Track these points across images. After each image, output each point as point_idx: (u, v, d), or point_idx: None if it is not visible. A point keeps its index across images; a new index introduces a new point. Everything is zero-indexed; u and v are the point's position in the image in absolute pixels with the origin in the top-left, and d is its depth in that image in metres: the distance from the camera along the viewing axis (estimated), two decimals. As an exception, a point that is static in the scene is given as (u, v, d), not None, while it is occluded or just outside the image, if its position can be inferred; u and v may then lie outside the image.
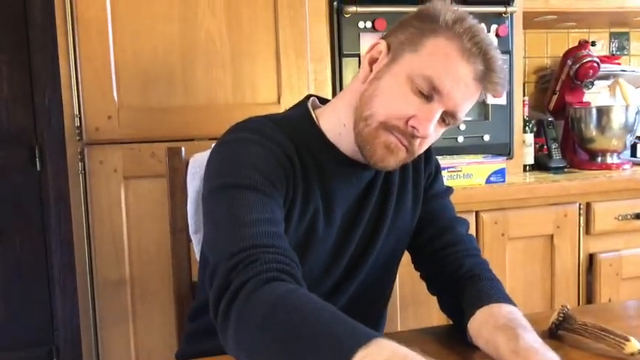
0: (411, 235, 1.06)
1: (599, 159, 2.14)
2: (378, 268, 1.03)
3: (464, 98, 0.88)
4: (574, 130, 2.16)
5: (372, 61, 0.93)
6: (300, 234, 0.94)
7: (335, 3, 1.80)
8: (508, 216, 1.80)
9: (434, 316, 1.67)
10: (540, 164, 2.14)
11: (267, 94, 1.71)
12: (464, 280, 0.98)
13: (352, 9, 1.79)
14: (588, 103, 2.24)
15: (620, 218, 1.90)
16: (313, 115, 0.98)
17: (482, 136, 1.97)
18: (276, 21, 1.70)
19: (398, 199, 1.02)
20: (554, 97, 2.29)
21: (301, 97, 1.04)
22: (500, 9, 1.92)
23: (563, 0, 2.07)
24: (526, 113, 2.14)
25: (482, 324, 0.87)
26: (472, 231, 1.74)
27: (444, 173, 1.74)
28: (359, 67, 1.02)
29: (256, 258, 0.75)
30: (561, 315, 0.92)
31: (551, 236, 1.85)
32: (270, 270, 0.74)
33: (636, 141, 2.29)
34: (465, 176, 1.81)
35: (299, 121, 0.97)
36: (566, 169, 2.12)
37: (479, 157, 1.86)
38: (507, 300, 0.92)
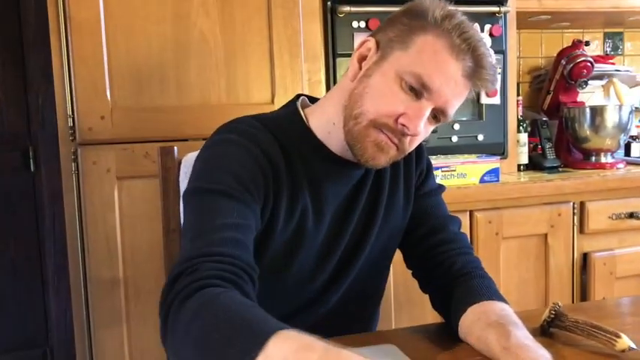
0: (402, 233, 1.06)
1: (593, 158, 2.14)
2: (370, 265, 1.03)
3: (453, 95, 0.87)
4: (568, 130, 2.17)
5: (361, 59, 0.92)
6: (288, 233, 0.94)
7: (329, 3, 1.80)
8: (502, 215, 1.80)
9: (428, 315, 1.66)
10: (534, 164, 2.15)
11: (261, 95, 1.71)
12: (456, 279, 0.98)
13: (346, 8, 1.79)
14: (582, 103, 2.25)
15: (614, 217, 1.90)
16: (302, 114, 0.98)
17: (477, 136, 1.97)
18: (270, 21, 1.70)
19: (389, 197, 1.02)
20: (549, 97, 2.30)
21: (295, 97, 1.04)
22: (494, 9, 1.93)
23: (556, 0, 2.08)
24: (520, 113, 2.14)
25: (473, 321, 0.87)
26: (466, 230, 1.75)
27: (437, 173, 1.76)
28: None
29: (197, 268, 0.74)
30: (553, 312, 0.92)
31: (545, 235, 1.85)
32: (207, 277, 0.73)
33: (630, 140, 2.29)
34: (459, 176, 1.82)
35: (288, 121, 0.97)
36: (560, 169, 2.13)
37: (473, 157, 1.87)
38: (499, 297, 0.92)
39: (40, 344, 2.47)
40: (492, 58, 0.90)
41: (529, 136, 2.16)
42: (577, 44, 2.21)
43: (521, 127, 2.11)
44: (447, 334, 0.93)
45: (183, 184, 1.22)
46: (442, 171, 1.78)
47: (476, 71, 0.87)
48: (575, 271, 1.90)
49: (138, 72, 1.62)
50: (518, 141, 2.09)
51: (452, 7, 0.88)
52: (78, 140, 1.60)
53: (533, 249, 1.86)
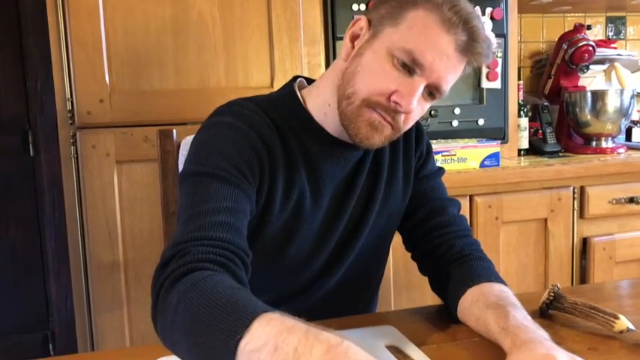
0: (402, 216, 1.06)
1: (594, 143, 2.14)
2: (369, 248, 1.03)
3: (447, 70, 0.86)
4: (569, 115, 2.16)
5: (354, 38, 0.91)
6: (285, 216, 0.93)
7: (328, -15, 1.78)
8: (502, 200, 1.80)
9: (428, 298, 1.66)
10: (535, 148, 2.14)
11: (260, 78, 1.70)
12: (455, 261, 0.98)
13: (346, -9, 1.77)
14: (583, 88, 2.24)
15: (614, 202, 1.90)
16: (299, 96, 0.97)
17: (477, 121, 1.96)
18: (269, 3, 1.69)
19: (388, 180, 1.02)
20: (550, 82, 2.28)
21: (294, 81, 1.03)
22: (495, -8, 1.91)
23: (558, -17, 2.07)
24: (521, 97, 2.13)
25: (472, 303, 0.87)
26: (466, 215, 1.74)
27: (438, 157, 1.75)
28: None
29: (188, 251, 0.74)
30: (552, 294, 0.92)
31: (545, 220, 1.85)
32: (197, 261, 0.73)
33: (631, 125, 2.28)
34: (459, 160, 1.81)
35: (284, 103, 0.96)
36: (560, 154, 2.12)
37: (473, 141, 1.86)
38: (498, 279, 0.92)
39: (42, 328, 2.48)
40: (486, 31, 0.87)
41: (530, 121, 2.15)
42: (579, 28, 2.19)
43: (521, 112, 2.10)
44: (445, 315, 0.94)
45: (182, 168, 1.21)
46: (442, 155, 1.78)
47: (469, 45, 0.85)
48: (575, 255, 1.91)
49: (136, 55, 1.61)
50: (518, 125, 2.08)
51: None
52: (77, 124, 1.59)
53: (533, 234, 1.86)
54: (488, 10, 1.91)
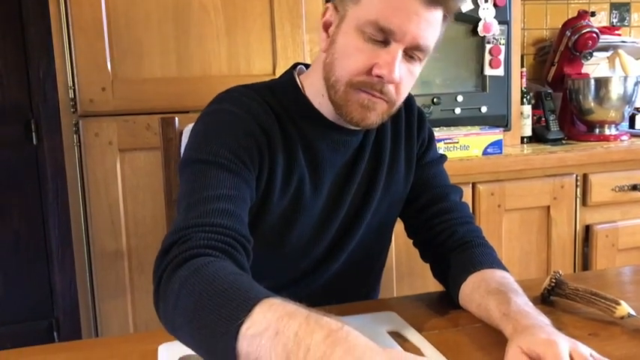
0: (404, 202, 1.06)
1: (597, 130, 2.13)
2: (371, 235, 1.03)
3: (420, 28, 0.83)
4: (572, 102, 2.15)
5: (327, 27, 0.91)
6: (285, 202, 0.93)
7: (330, -28, 1.77)
8: (505, 187, 1.80)
9: (430, 285, 1.65)
10: (538, 136, 2.14)
11: (262, 66, 1.70)
12: (456, 247, 0.98)
13: (348, -22, 1.76)
14: (587, 75, 2.23)
15: (616, 189, 1.90)
16: (299, 83, 0.97)
17: (480, 108, 1.96)
18: (271, -10, 1.68)
19: (390, 166, 1.02)
20: (553, 69, 2.27)
21: (296, 68, 1.03)
22: (499, -22, 1.90)
23: (562, -31, 2.05)
24: (524, 85, 2.12)
25: (474, 289, 0.88)
26: (469, 202, 1.75)
27: (440, 145, 1.75)
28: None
29: (189, 237, 0.74)
30: (553, 280, 0.92)
31: (548, 207, 1.85)
32: (199, 247, 0.73)
33: (635, 112, 2.27)
34: (461, 148, 1.81)
35: (283, 90, 0.96)
36: (563, 141, 2.12)
37: (476, 129, 1.86)
38: (499, 266, 0.92)
39: (46, 316, 2.50)
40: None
41: (533, 108, 2.15)
42: (582, 15, 2.18)
43: (524, 99, 2.10)
44: (447, 302, 0.94)
45: (182, 155, 1.21)
46: (445, 143, 1.78)
47: None
48: (578, 243, 1.91)
49: (138, 43, 1.61)
50: (521, 113, 2.08)
51: None
52: (79, 112, 1.60)
53: (535, 221, 1.86)
54: (492, -4, 1.90)
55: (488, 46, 1.96)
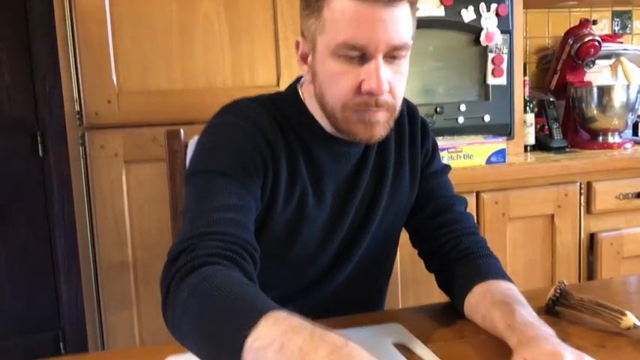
0: (409, 212, 1.06)
1: (601, 138, 2.13)
2: (377, 243, 1.04)
3: (389, 32, 0.82)
4: (575, 110, 2.15)
5: (305, 59, 0.93)
6: (289, 213, 0.94)
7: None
8: (509, 196, 1.80)
9: (435, 295, 1.66)
10: (541, 144, 2.14)
11: (267, 77, 1.71)
12: (461, 258, 0.98)
13: (351, -11, 1.77)
14: (589, 83, 2.23)
15: (621, 197, 1.90)
16: (301, 95, 0.98)
17: (483, 117, 1.96)
18: (274, 2, 1.69)
19: (394, 178, 1.02)
20: (555, 77, 2.28)
21: (301, 80, 1.04)
22: (500, -12, 1.91)
23: (563, -22, 2.06)
24: (527, 93, 2.13)
25: (479, 300, 0.88)
26: (473, 211, 1.75)
27: (444, 154, 1.76)
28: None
29: (197, 246, 0.75)
30: (558, 291, 0.92)
31: (552, 216, 1.85)
32: (206, 255, 0.74)
33: (638, 120, 2.28)
34: (465, 157, 1.81)
35: (287, 102, 0.98)
36: (567, 149, 2.12)
37: (479, 138, 1.86)
38: (504, 277, 0.92)
39: (52, 327, 2.50)
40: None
41: (536, 117, 2.15)
42: (584, 23, 2.19)
43: (527, 108, 2.10)
44: (452, 313, 0.94)
45: (188, 166, 1.22)
46: (448, 152, 1.78)
47: None
48: (582, 251, 1.90)
49: (143, 55, 1.62)
50: (524, 121, 2.08)
51: None
52: (85, 125, 1.61)
53: (539, 229, 1.86)
54: (494, 6, 1.91)
55: (490, 55, 1.97)
